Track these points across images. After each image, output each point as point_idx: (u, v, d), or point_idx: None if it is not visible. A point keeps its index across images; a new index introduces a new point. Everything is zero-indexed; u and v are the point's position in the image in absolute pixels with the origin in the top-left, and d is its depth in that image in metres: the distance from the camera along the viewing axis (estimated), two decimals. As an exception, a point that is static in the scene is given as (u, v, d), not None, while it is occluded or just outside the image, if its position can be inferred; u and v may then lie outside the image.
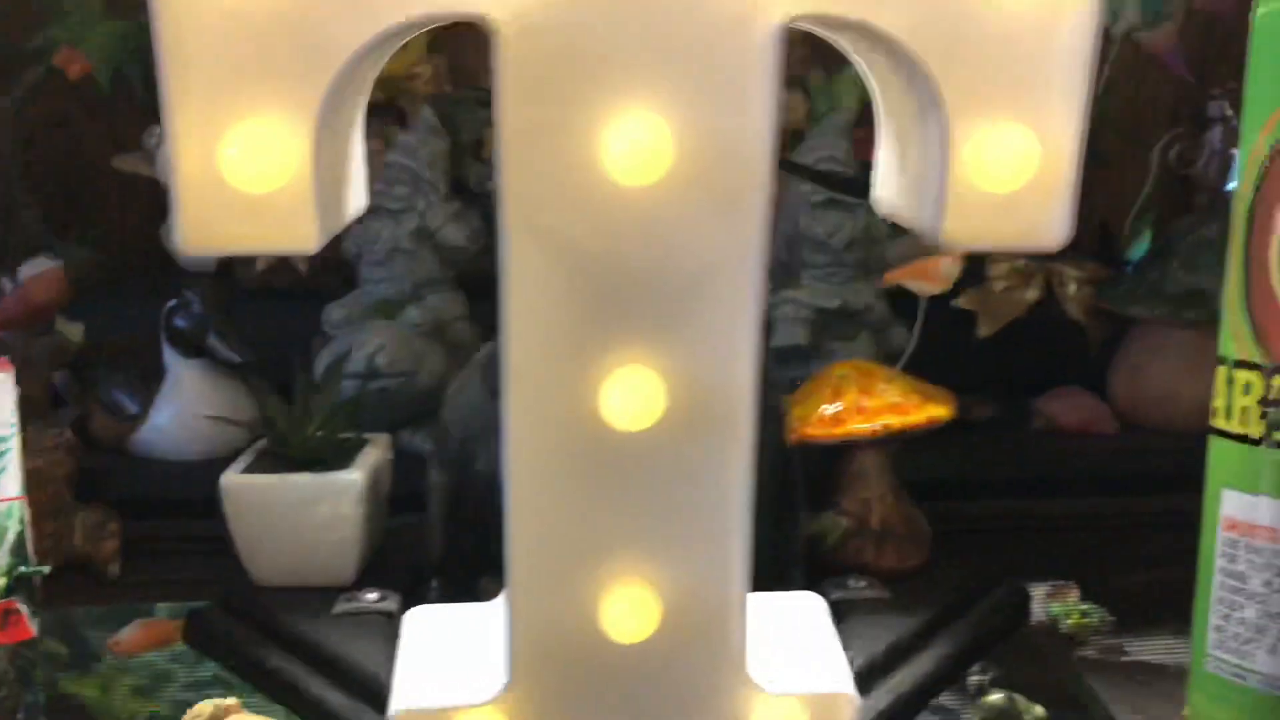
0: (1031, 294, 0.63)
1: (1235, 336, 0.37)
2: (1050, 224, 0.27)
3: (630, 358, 0.28)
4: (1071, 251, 0.66)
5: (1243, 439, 0.37)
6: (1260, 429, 0.36)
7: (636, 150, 0.26)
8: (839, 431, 0.42)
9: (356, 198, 0.29)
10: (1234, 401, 0.37)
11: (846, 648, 0.40)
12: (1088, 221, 0.75)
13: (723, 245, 0.27)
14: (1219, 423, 0.37)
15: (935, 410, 0.43)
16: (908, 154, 0.28)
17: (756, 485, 0.39)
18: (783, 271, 0.58)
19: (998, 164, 0.26)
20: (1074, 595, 0.58)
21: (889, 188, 0.30)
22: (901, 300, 0.63)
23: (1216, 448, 0.38)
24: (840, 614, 0.42)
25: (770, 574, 0.40)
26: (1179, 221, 0.68)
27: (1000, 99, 0.26)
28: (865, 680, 0.40)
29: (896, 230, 0.65)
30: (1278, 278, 0.35)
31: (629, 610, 0.30)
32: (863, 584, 0.43)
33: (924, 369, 0.65)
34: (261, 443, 0.45)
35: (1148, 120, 0.77)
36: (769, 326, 0.60)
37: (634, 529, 0.29)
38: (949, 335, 0.63)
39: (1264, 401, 0.36)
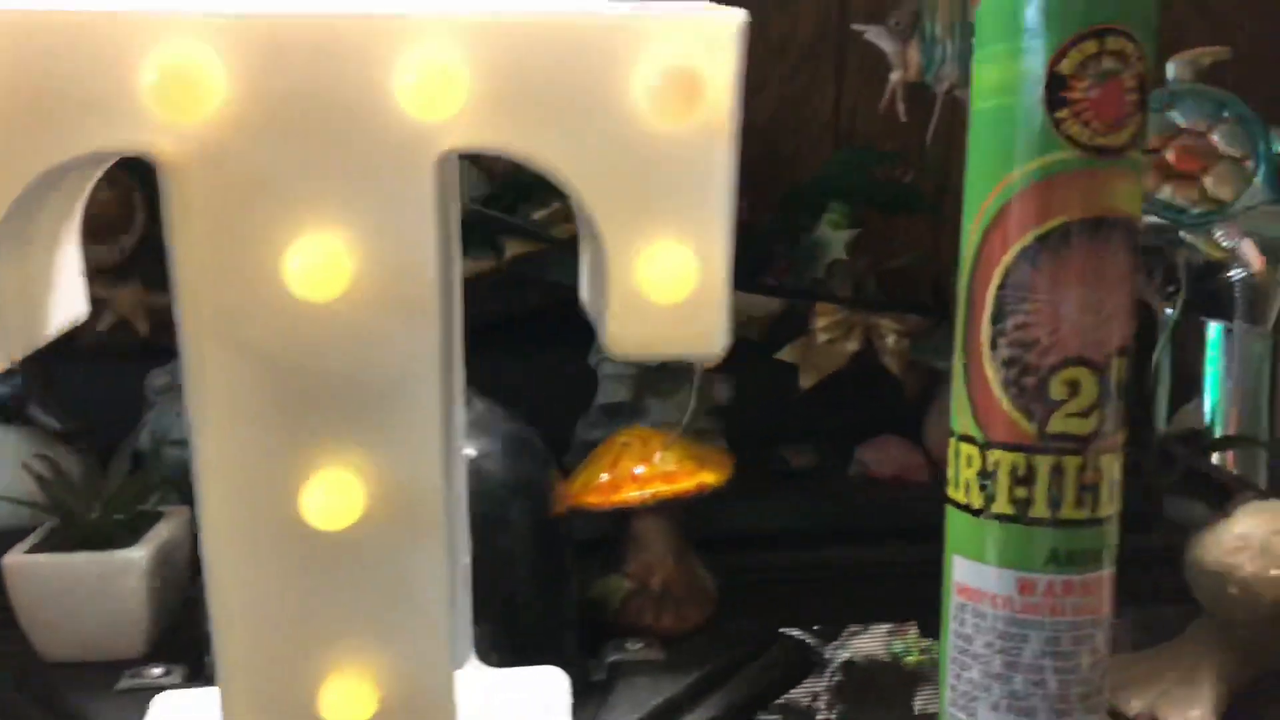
0: (851, 346, 0.65)
1: (959, 412, 0.39)
2: (710, 334, 0.29)
3: (329, 460, 0.29)
4: (892, 304, 0.69)
5: (967, 509, 0.39)
6: (980, 500, 0.38)
7: (315, 268, 0.28)
8: (613, 499, 0.44)
9: (67, 309, 0.30)
10: (960, 473, 0.39)
11: (618, 709, 0.42)
12: (919, 276, 0.78)
13: (404, 355, 0.28)
14: (950, 492, 0.40)
15: (706, 477, 0.45)
16: (587, 262, 0.30)
17: (521, 556, 0.41)
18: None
19: (656, 280, 0.28)
20: (913, 633, 0.60)
21: (584, 290, 0.32)
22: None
23: (949, 516, 0.40)
24: (616, 676, 0.44)
25: (542, 640, 0.42)
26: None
27: (655, 221, 0.28)
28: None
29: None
30: (988, 359, 0.38)
31: (345, 699, 0.31)
32: (639, 646, 0.45)
33: (746, 421, 0.67)
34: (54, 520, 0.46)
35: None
36: (594, 384, 0.61)
37: (344, 621, 0.31)
38: (771, 387, 0.65)
39: (981, 474, 0.38)
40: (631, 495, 0.43)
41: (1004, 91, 0.37)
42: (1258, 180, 0.62)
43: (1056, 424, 0.37)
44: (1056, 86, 0.36)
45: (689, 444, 0.47)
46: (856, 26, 0.71)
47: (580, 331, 0.63)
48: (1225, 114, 0.62)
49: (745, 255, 0.79)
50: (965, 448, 0.39)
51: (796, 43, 0.85)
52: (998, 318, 0.37)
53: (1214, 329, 0.77)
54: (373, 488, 0.29)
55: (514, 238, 0.69)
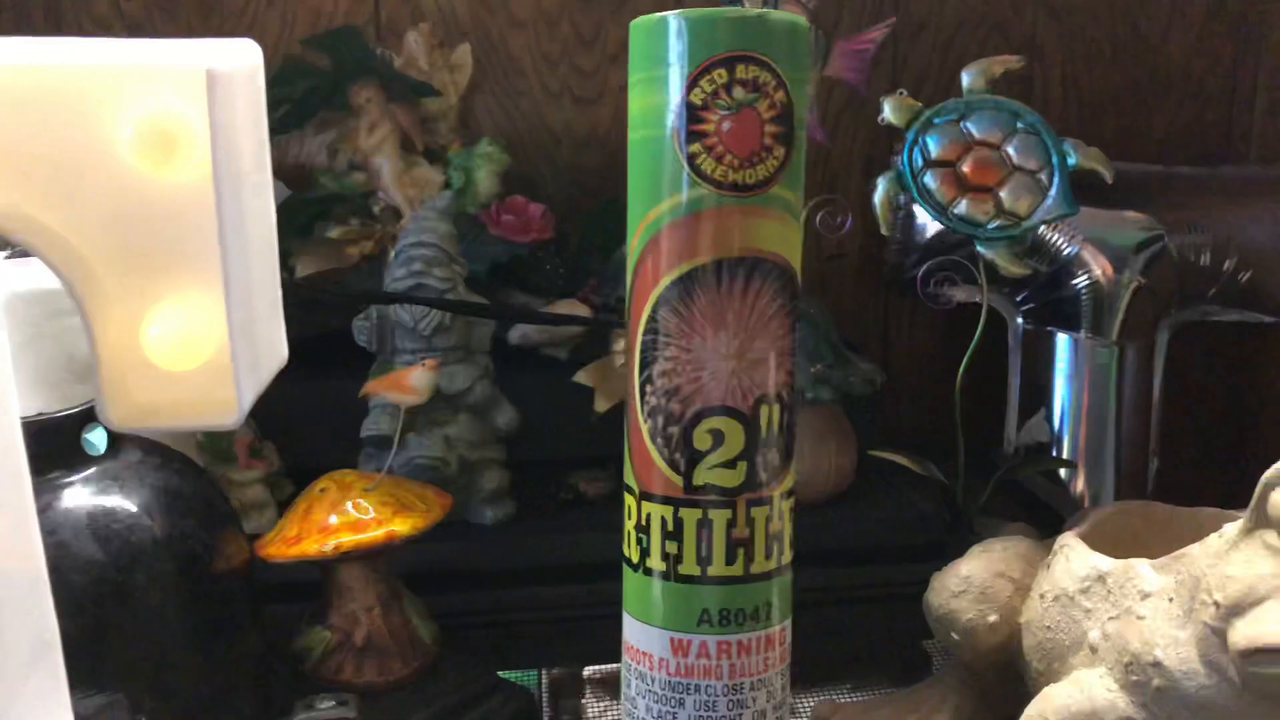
0: (650, 369, 0.63)
1: (626, 461, 0.37)
2: (223, 403, 0.27)
3: None
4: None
5: (629, 563, 0.37)
6: (637, 555, 0.36)
7: None
8: (292, 552, 0.42)
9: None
10: (625, 525, 0.37)
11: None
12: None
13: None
14: (624, 548, 0.37)
15: (398, 526, 0.42)
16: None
17: (171, 616, 0.39)
18: (375, 357, 0.58)
19: (157, 344, 0.26)
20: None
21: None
22: (512, 378, 0.63)
23: (623, 570, 0.38)
24: (302, 735, 0.42)
25: (208, 702, 0.40)
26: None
27: (155, 281, 0.26)
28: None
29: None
30: (639, 407, 0.36)
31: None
32: (330, 703, 0.43)
33: (539, 445, 0.65)
34: None
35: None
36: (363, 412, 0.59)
37: None
38: (567, 411, 0.63)
39: (638, 528, 0.36)
40: (311, 548, 0.41)
41: (650, 122, 0.34)
42: (1052, 193, 0.60)
43: (701, 476, 0.35)
44: (690, 118, 0.33)
45: (396, 487, 0.45)
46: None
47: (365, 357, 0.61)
48: (1020, 125, 0.60)
49: (556, 271, 0.76)
50: (628, 499, 0.37)
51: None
52: (644, 365, 0.35)
53: (1062, 340, 0.75)
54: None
55: (307, 254, 0.67)
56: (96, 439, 0.39)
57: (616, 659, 0.52)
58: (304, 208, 0.67)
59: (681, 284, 0.34)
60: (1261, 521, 0.32)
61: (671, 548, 0.35)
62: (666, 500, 0.35)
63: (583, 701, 0.51)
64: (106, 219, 0.26)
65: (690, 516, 0.35)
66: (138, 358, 0.27)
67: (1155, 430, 0.75)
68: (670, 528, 0.35)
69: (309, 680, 0.44)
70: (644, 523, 0.36)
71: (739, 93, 0.33)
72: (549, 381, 0.65)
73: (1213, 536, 0.35)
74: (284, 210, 0.66)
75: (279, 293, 0.32)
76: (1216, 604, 0.33)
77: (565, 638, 0.55)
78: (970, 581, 0.43)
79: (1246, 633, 0.31)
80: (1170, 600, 0.35)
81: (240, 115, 0.26)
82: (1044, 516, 0.72)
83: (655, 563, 0.36)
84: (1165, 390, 0.75)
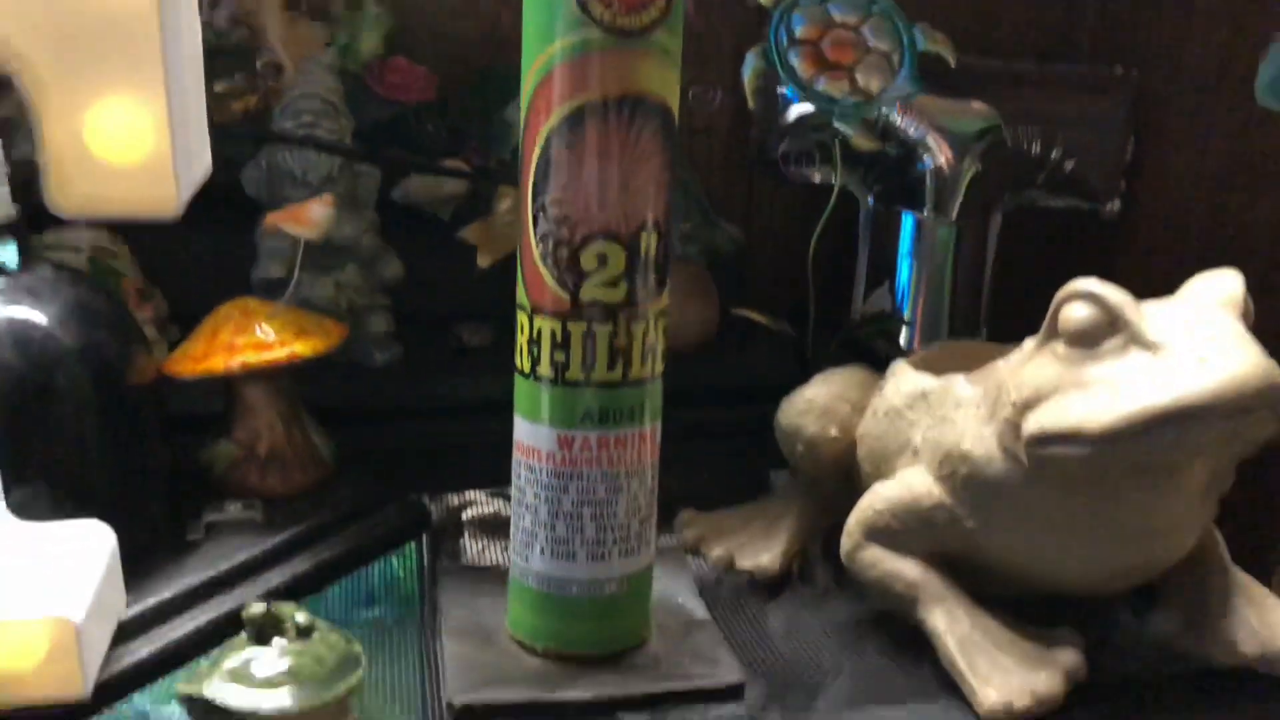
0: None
1: (519, 282, 0.41)
2: (163, 196, 0.30)
3: None
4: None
5: (521, 373, 0.41)
6: (528, 364, 0.41)
7: None
8: (199, 369, 0.45)
9: None
10: (518, 339, 0.41)
11: (208, 564, 0.43)
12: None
13: None
14: (516, 360, 0.42)
15: (299, 347, 0.46)
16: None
17: (86, 422, 0.41)
18: (265, 205, 0.60)
19: (100, 138, 0.29)
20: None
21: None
22: (399, 235, 0.66)
23: (515, 380, 0.42)
24: (210, 534, 0.46)
25: (121, 503, 0.43)
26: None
27: (96, 78, 0.28)
28: (213, 589, 0.43)
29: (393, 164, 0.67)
30: (531, 232, 0.40)
31: None
32: (237, 506, 0.46)
33: (425, 300, 0.69)
34: None
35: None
36: (253, 258, 0.61)
37: None
38: (449, 267, 0.66)
39: (530, 341, 0.41)
40: (217, 364, 0.44)
41: (546, -34, 0.38)
42: (902, 74, 0.65)
43: (588, 293, 0.39)
44: (582, -34, 0.37)
45: (296, 315, 0.48)
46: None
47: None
48: (874, 9, 0.65)
49: (439, 133, 0.78)
50: (521, 316, 0.41)
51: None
52: (536, 193, 0.39)
53: (907, 219, 0.81)
54: None
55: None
56: (7, 256, 0.41)
57: (498, 485, 0.57)
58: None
59: (571, 120, 0.38)
60: (1052, 333, 0.39)
61: (559, 357, 0.40)
62: (556, 315, 0.40)
63: (461, 542, 0.55)
64: (49, 19, 0.28)
65: (577, 329, 0.40)
66: (81, 150, 0.29)
67: (985, 302, 0.83)
68: (559, 339, 0.40)
69: (216, 490, 0.48)
70: (535, 336, 0.40)
71: (627, -56, 0.37)
72: (434, 240, 0.68)
73: (1014, 351, 0.42)
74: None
75: (204, 106, 0.34)
76: (1014, 403, 0.39)
77: (450, 469, 0.59)
78: (814, 402, 0.50)
79: (1034, 422, 0.38)
80: (978, 407, 0.42)
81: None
82: (882, 370, 0.80)
83: (545, 370, 0.40)
84: (996, 268, 0.82)
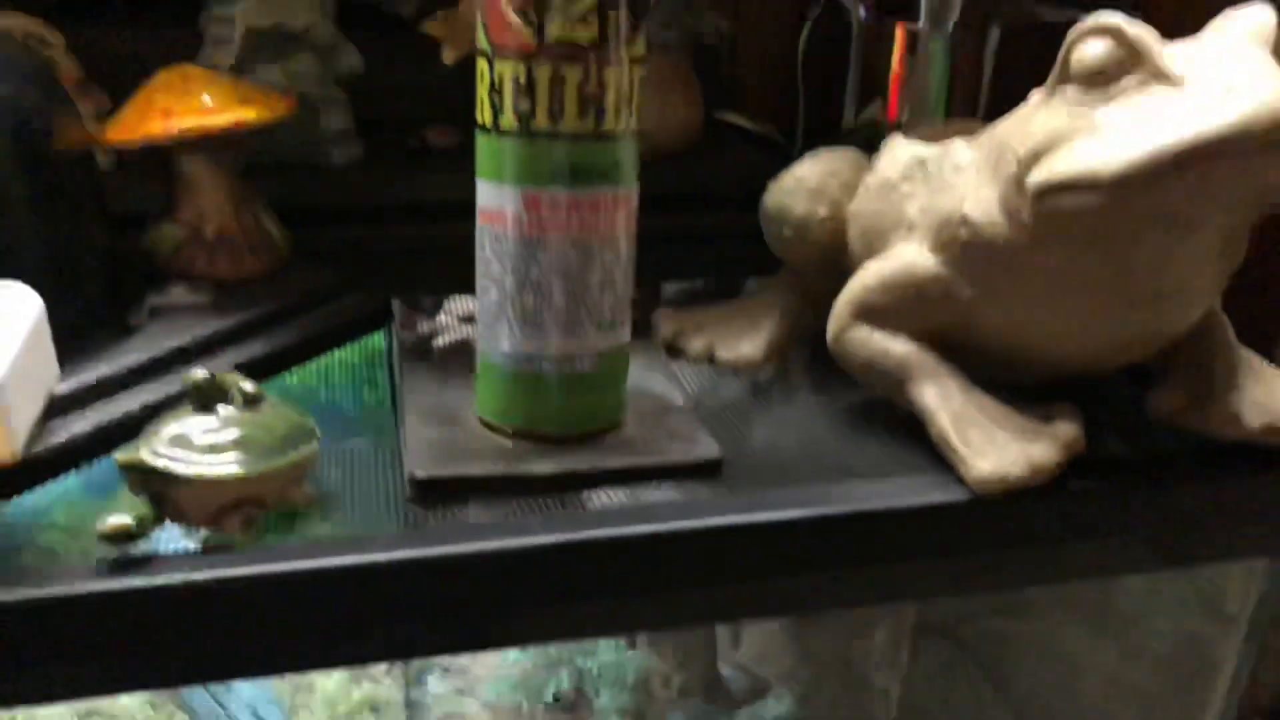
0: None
1: (479, 29, 0.37)
2: None
3: None
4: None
5: (482, 128, 0.38)
6: (490, 117, 0.37)
7: None
8: (135, 135, 0.41)
9: None
10: (478, 92, 0.38)
11: (149, 346, 0.40)
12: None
13: None
14: (477, 115, 0.38)
15: (245, 114, 0.42)
16: None
17: (24, 184, 0.38)
18: (201, 9, 0.55)
19: None
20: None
21: None
22: (355, 22, 0.61)
23: (476, 141, 0.38)
24: (155, 317, 0.43)
25: (56, 280, 0.39)
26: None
27: None
28: (158, 369, 0.40)
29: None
30: (491, -39, 0.36)
31: None
32: (183, 288, 0.43)
33: (387, 102, 0.64)
34: None
35: None
36: (199, 45, 0.57)
37: None
38: (416, 67, 0.62)
39: (491, 89, 0.37)
40: (155, 129, 0.40)
41: None
42: None
43: (554, 30, 0.35)
44: None
45: (240, 84, 0.44)
46: None
47: None
48: None
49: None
50: (481, 63, 0.37)
51: None
52: (497, -86, 0.35)
53: (901, 30, 0.77)
54: None
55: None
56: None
57: (461, 291, 0.54)
58: None
59: None
60: (1064, 76, 0.36)
61: (524, 105, 0.36)
62: (520, 57, 0.36)
63: (427, 334, 0.52)
64: None
65: (543, 73, 0.36)
66: None
67: (981, 118, 0.79)
68: (523, 84, 0.36)
69: (162, 276, 0.44)
70: (497, 83, 0.37)
71: None
72: (397, 40, 0.63)
73: (1020, 106, 0.39)
74: None
75: None
76: (1019, 159, 0.36)
77: (412, 270, 0.56)
78: (803, 181, 0.46)
79: (1041, 172, 0.35)
80: (979, 171, 0.39)
81: None
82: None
83: (508, 121, 0.37)
84: (993, 85, 0.78)
